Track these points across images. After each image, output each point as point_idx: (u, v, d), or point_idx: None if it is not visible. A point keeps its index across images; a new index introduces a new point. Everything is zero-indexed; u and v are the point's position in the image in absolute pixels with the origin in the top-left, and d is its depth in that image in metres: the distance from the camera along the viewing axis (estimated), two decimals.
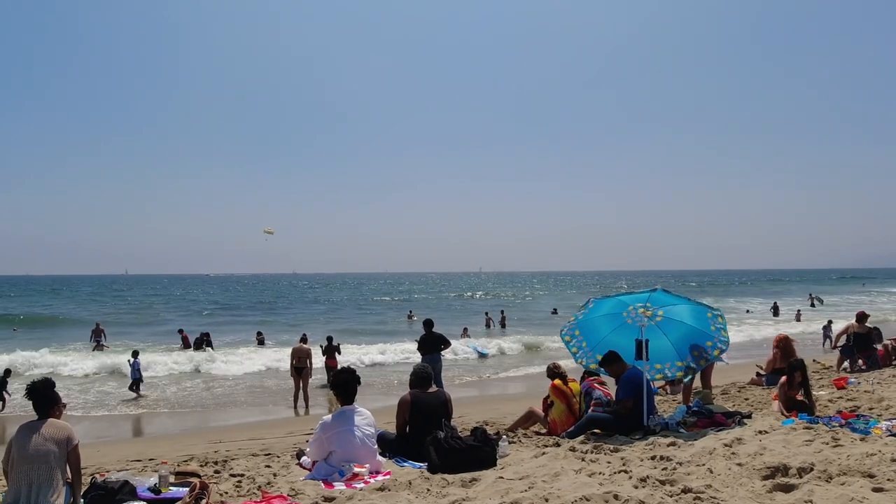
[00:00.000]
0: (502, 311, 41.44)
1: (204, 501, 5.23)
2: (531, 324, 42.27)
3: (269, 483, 6.25)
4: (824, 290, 77.67)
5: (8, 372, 16.68)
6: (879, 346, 15.33)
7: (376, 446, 6.98)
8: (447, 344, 15.82)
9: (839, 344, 15.51)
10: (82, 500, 5.62)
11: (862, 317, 15.46)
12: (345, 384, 7.05)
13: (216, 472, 6.97)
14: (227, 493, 5.84)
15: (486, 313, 40.89)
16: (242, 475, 6.62)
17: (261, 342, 30.57)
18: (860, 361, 14.72)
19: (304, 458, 7.17)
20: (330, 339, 19.38)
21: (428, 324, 15.92)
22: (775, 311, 44.90)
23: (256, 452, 8.70)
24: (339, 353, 19.28)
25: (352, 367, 7.48)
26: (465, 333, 29.17)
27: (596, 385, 9.30)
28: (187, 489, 5.57)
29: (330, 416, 6.91)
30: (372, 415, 7.10)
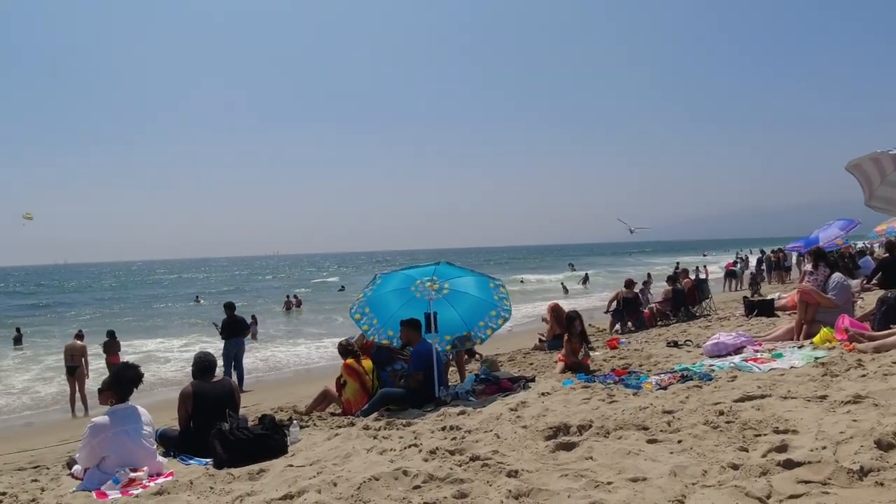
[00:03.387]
0: (296, 294, 41.53)
1: None
2: (323, 302, 42.78)
3: (33, 500, 5.57)
4: (597, 261, 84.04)
5: None
6: (645, 310, 16.76)
7: (155, 446, 6.45)
8: (247, 328, 15.44)
9: (610, 308, 16.73)
10: None
11: (629, 283, 16.84)
12: (122, 380, 6.41)
13: None
14: None
15: (287, 296, 40.70)
16: (4, 494, 5.83)
17: (17, 339, 27.77)
18: (629, 323, 16.00)
19: (75, 468, 6.44)
20: (111, 333, 17.86)
21: (229, 307, 15.46)
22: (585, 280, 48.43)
23: (24, 466, 7.80)
24: (120, 349, 17.93)
25: (133, 362, 6.84)
26: (253, 321, 27.42)
27: (398, 356, 9.36)
28: None
29: (99, 417, 6.24)
30: (154, 412, 6.57)
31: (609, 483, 4.27)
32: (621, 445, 5.02)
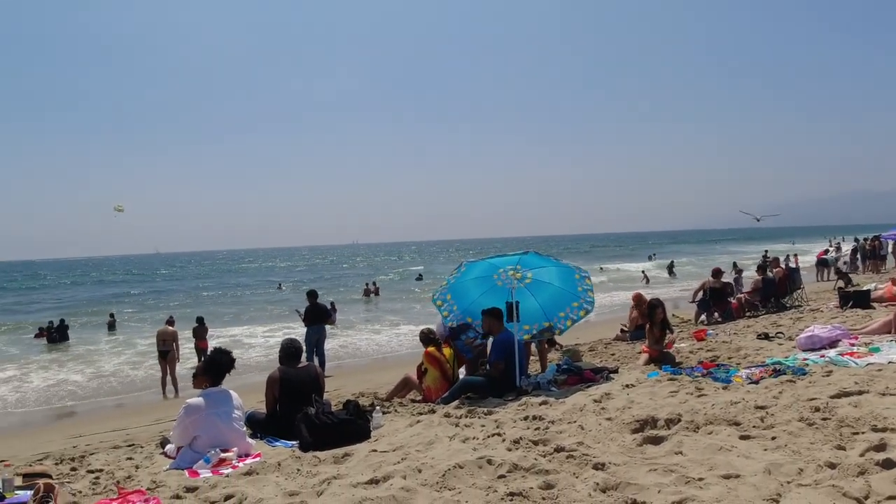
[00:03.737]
0: (374, 282, 42.00)
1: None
2: (402, 290, 43.26)
3: (129, 477, 5.79)
4: (681, 248, 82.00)
5: None
6: (733, 300, 16.23)
7: (245, 428, 6.64)
8: (329, 316, 15.69)
9: (696, 298, 16.27)
10: None
11: (717, 272, 16.29)
12: (217, 365, 6.65)
13: (73, 469, 6.42)
14: (80, 492, 5.35)
15: (366, 283, 41.33)
16: (101, 470, 6.11)
17: (111, 325, 29.01)
18: (716, 314, 15.52)
19: (168, 447, 6.70)
20: (200, 319, 18.53)
21: (312, 294, 15.81)
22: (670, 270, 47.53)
23: (119, 444, 8.17)
24: (208, 333, 18.53)
25: (226, 348, 7.05)
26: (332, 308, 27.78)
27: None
28: (32, 492, 5.06)
29: (194, 398, 6.47)
30: (239, 395, 6.74)
31: (700, 479, 4.18)
32: (712, 441, 4.91)
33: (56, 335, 25.63)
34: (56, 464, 6.83)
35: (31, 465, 6.65)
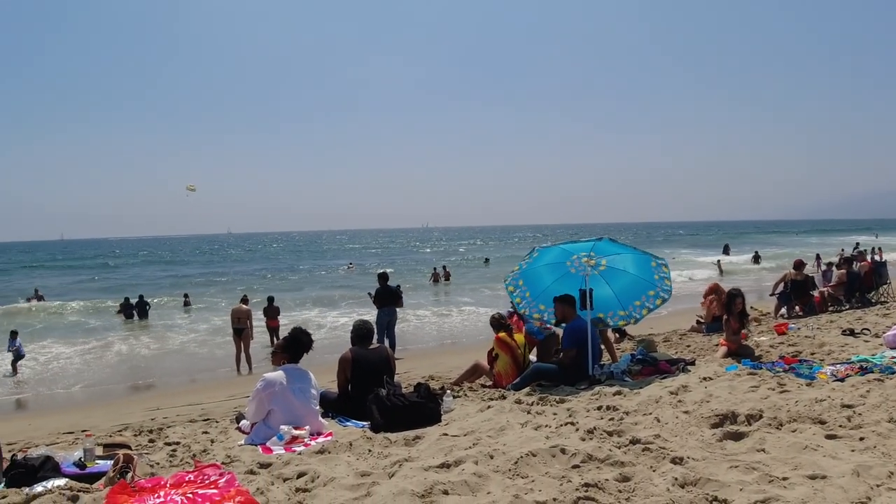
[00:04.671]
0: (444, 267, 41.94)
1: (129, 474, 4.87)
2: (470, 274, 43.25)
3: (204, 450, 5.95)
4: (764, 239, 79.43)
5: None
6: (815, 293, 15.62)
7: (318, 407, 6.72)
8: (399, 298, 15.72)
9: (776, 291, 15.73)
10: (3, 479, 5.21)
11: (799, 265, 15.70)
12: (297, 342, 6.78)
13: (151, 441, 6.64)
14: (158, 463, 5.51)
15: (434, 268, 41.35)
16: (178, 443, 6.31)
17: (185, 304, 29.87)
18: (797, 308, 14.98)
19: (242, 422, 6.85)
20: (271, 299, 18.93)
21: (383, 277, 15.86)
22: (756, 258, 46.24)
23: (195, 418, 8.42)
24: (279, 313, 18.86)
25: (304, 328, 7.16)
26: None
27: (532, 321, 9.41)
28: (112, 462, 5.21)
29: (273, 372, 6.57)
30: (314, 375, 6.82)
31: (784, 479, 4.03)
32: (796, 439, 4.73)
33: (133, 311, 26.31)
34: (135, 435, 7.06)
35: (111, 436, 6.90)
